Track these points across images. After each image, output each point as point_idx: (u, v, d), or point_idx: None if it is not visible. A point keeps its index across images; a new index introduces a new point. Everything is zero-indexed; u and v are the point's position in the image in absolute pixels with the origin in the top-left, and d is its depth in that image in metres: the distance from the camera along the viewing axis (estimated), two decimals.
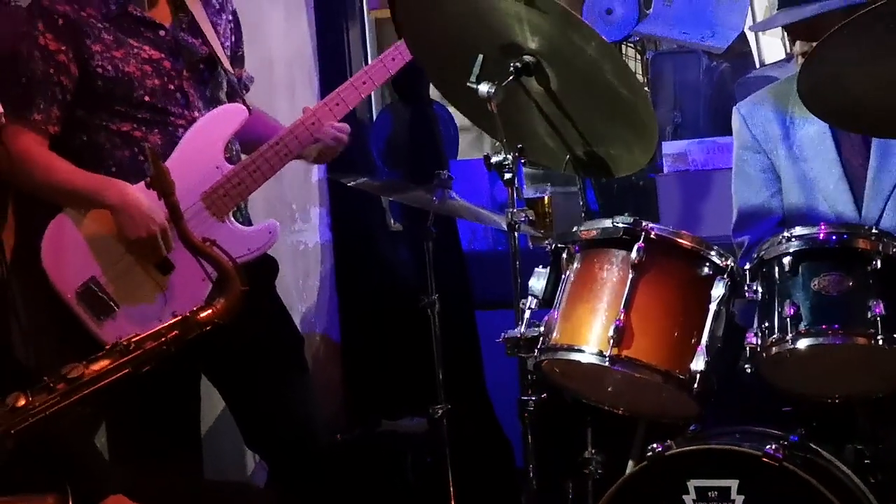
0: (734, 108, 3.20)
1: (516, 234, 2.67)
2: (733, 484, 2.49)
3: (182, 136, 2.82)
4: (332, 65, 4.42)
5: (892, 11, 2.28)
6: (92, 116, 2.78)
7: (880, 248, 2.45)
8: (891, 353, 2.39)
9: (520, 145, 2.64)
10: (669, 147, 4.62)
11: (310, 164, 4.26)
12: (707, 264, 2.57)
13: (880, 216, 2.92)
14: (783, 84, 3.13)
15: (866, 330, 2.39)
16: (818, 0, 2.85)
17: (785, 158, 3.06)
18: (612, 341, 2.46)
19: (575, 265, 2.65)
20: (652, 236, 2.55)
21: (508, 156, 2.62)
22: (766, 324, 2.51)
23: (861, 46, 2.33)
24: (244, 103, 2.96)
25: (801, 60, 2.94)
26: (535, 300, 2.68)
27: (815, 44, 2.70)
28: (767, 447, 2.46)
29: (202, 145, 2.83)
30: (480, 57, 2.61)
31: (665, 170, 4.57)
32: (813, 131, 3.01)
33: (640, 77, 6.01)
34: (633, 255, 2.52)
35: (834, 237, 2.51)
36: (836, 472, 2.54)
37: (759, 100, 3.14)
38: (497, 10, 2.57)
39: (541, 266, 2.73)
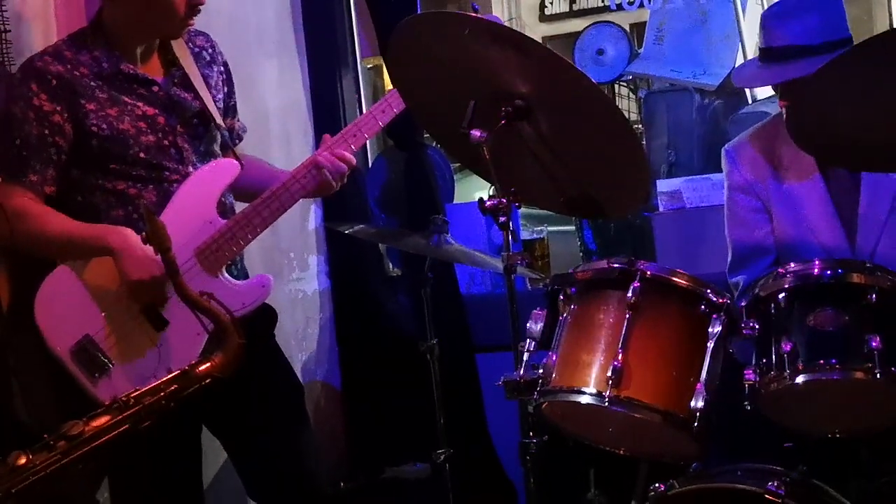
0: (723, 149, 3.20)
1: (513, 276, 2.67)
2: None
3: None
4: (327, 115, 4.43)
5: (873, 50, 2.30)
6: (87, 176, 2.77)
7: (875, 282, 2.44)
8: (889, 388, 2.38)
9: (513, 189, 2.64)
10: (664, 185, 4.64)
11: (307, 212, 4.31)
12: (703, 302, 2.55)
13: (874, 251, 2.92)
14: (770, 123, 3.14)
15: (864, 364, 2.38)
16: (797, 58, 2.85)
17: (775, 198, 3.06)
18: (610, 382, 2.45)
19: (572, 307, 2.64)
20: (647, 276, 2.54)
21: (503, 200, 2.63)
22: (764, 360, 2.51)
23: (846, 85, 2.34)
24: (235, 155, 2.95)
25: (782, 105, 2.96)
26: (533, 343, 2.68)
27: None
28: (769, 484, 2.46)
29: (195, 201, 2.82)
30: (472, 103, 2.63)
31: (660, 208, 4.59)
32: (801, 170, 3.02)
33: (633, 116, 6.06)
34: (630, 295, 2.51)
35: (829, 272, 2.51)
36: None
37: (747, 140, 3.15)
38: (487, 57, 2.57)
39: (538, 308, 2.73)
